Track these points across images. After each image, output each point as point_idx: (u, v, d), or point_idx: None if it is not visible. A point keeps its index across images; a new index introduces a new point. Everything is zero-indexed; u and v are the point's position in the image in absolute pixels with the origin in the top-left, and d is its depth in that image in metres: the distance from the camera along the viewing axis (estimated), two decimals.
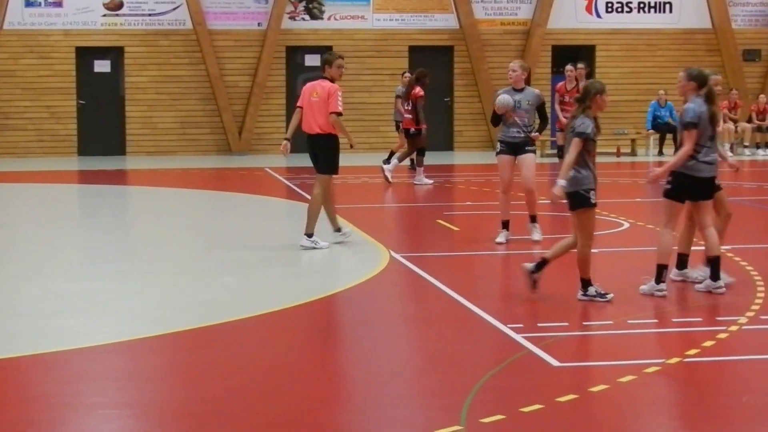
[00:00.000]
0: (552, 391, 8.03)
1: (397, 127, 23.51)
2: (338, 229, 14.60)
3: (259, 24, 29.80)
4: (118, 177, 24.88)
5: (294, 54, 30.15)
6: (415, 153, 22.63)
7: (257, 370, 8.84)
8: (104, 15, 29.26)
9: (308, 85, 14.69)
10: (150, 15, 29.40)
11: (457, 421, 7.39)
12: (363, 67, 29.80)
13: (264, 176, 24.33)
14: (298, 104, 14.67)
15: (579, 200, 10.83)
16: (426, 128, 22.72)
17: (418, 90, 22.46)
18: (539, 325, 10.00)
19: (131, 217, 19.42)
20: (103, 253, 14.56)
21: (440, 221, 16.55)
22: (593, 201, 10.82)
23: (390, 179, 21.74)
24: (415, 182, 22.05)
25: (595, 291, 10.95)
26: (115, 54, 29.53)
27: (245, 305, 11.06)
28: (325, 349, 9.77)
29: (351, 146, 14.79)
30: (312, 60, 30.09)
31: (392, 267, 12.98)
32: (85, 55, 29.30)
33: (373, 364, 9.16)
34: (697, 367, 8.85)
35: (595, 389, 8.12)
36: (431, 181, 22.06)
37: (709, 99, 11.10)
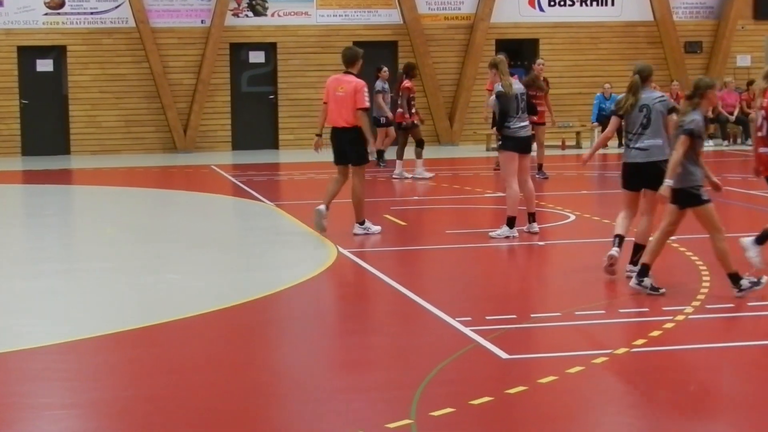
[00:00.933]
0: (501, 384, 8.05)
1: (378, 124, 23.00)
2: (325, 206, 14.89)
3: (202, 21, 29.65)
4: (63, 176, 24.68)
5: (238, 51, 30.04)
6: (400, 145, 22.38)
7: (202, 368, 8.81)
8: (46, 14, 29.01)
9: (332, 79, 14.97)
10: (92, 13, 29.17)
11: (407, 415, 7.39)
12: (308, 63, 29.73)
13: (210, 174, 24.23)
14: (324, 100, 14.93)
15: (688, 198, 10.55)
16: (420, 119, 22.67)
17: (408, 82, 22.40)
18: (487, 318, 10.02)
19: (75, 217, 19.27)
20: (46, 253, 14.45)
21: (388, 216, 16.54)
22: (705, 197, 10.53)
23: (426, 175, 21.61)
24: (416, 176, 21.69)
25: (650, 284, 10.77)
26: (58, 53, 29.27)
27: (190, 303, 11.01)
28: (270, 346, 9.75)
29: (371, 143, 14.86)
30: (256, 57, 30.04)
31: (339, 263, 12.97)
32: (27, 55, 29.03)
33: (321, 360, 9.16)
34: (644, 357, 8.90)
35: (543, 381, 8.14)
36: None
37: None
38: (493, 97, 14.71)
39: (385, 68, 24.09)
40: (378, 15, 30.38)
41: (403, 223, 15.97)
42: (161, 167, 25.87)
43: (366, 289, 11.96)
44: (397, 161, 22.17)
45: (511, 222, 14.20)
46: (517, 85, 14.44)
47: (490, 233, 14.29)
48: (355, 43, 29.52)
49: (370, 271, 12.40)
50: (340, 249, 13.61)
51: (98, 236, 15.86)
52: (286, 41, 29.94)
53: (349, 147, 14.67)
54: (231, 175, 23.74)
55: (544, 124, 21.22)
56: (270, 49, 30.08)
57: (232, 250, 14.46)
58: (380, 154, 23.25)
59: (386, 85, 23.31)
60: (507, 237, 14.15)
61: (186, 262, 13.37)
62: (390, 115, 22.72)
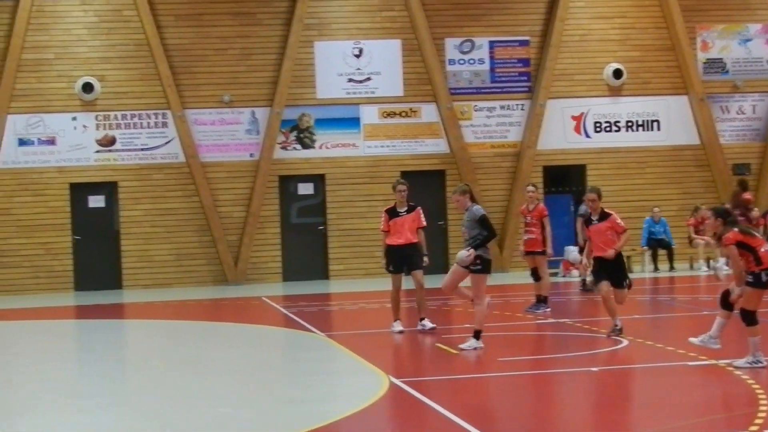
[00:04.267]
0: None
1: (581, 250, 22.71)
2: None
3: (251, 155, 30.01)
4: (115, 311, 24.82)
5: (287, 183, 30.33)
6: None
7: None
8: (97, 151, 29.48)
9: (388, 209, 18.54)
10: (143, 150, 29.62)
11: None
12: (356, 194, 29.97)
13: (261, 305, 24.28)
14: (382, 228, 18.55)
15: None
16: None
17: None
18: None
19: (126, 351, 19.30)
20: (94, 387, 14.45)
21: (440, 345, 16.46)
22: None
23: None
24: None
25: None
26: (109, 189, 29.67)
27: None
28: None
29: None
30: (305, 188, 30.31)
31: (392, 393, 12.88)
32: (80, 191, 29.45)
33: None
34: None
35: None
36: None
37: None
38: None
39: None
40: (425, 145, 30.63)
41: (455, 351, 15.89)
42: (212, 300, 25.97)
43: (419, 420, 11.84)
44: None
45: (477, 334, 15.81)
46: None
47: (459, 345, 15.80)
48: (403, 173, 29.83)
49: (424, 401, 12.29)
50: (392, 379, 13.53)
51: (148, 370, 15.87)
52: (335, 172, 30.20)
53: (413, 256, 18.47)
54: (282, 306, 23.77)
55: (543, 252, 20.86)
56: (318, 180, 30.35)
57: (283, 381, 14.41)
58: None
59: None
60: (475, 348, 15.65)
61: (237, 395, 13.33)
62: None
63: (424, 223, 18.60)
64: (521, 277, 28.37)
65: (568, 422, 11.52)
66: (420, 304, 18.39)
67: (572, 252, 29.09)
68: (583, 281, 23.81)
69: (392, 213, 18.41)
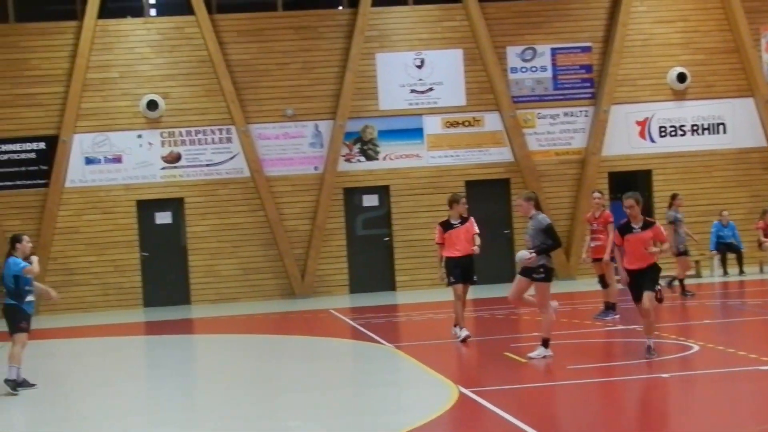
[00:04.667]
0: None
1: (680, 253, 23.62)
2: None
3: (315, 168, 30.11)
4: (184, 326, 24.96)
5: (352, 195, 30.38)
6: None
7: None
8: (163, 168, 29.70)
9: (442, 222, 18.70)
10: (208, 165, 29.80)
11: None
12: (420, 204, 29.95)
13: (328, 317, 24.33)
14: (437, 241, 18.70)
15: None
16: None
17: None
18: None
19: (197, 366, 19.41)
20: (169, 403, 14.54)
21: (508, 353, 16.40)
22: None
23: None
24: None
25: None
26: (176, 205, 29.88)
27: None
28: None
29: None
30: (369, 200, 30.34)
31: (461, 403, 12.84)
32: (146, 208, 29.68)
33: None
34: None
35: None
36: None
37: None
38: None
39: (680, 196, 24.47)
40: (489, 154, 30.56)
41: (524, 360, 15.82)
42: (280, 313, 26.05)
43: (490, 430, 11.79)
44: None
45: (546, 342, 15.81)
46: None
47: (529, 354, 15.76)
48: (468, 183, 29.80)
49: (494, 410, 12.24)
50: (462, 389, 13.49)
51: (218, 385, 15.93)
52: (399, 183, 30.22)
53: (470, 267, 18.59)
54: (349, 318, 23.80)
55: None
56: (383, 192, 30.37)
57: (352, 393, 14.41)
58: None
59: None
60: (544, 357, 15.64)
61: (306, 408, 13.34)
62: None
63: (478, 230, 18.57)
64: (589, 284, 28.20)
65: (641, 430, 11.42)
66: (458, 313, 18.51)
67: None
68: (670, 281, 23.52)
69: (446, 226, 18.53)
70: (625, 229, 15.36)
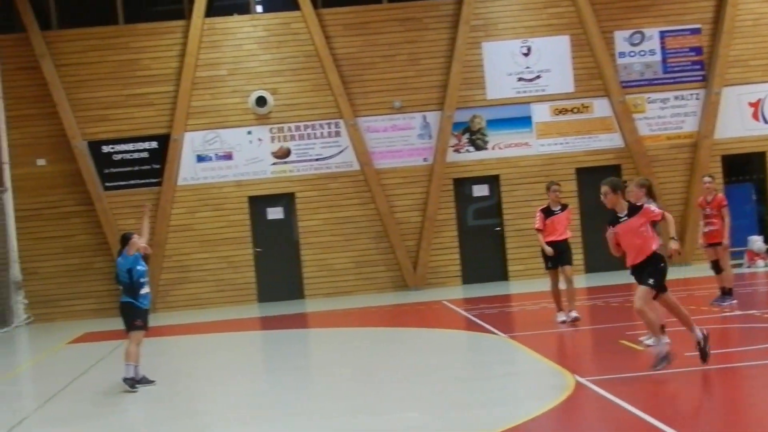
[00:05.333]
0: None
1: None
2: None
3: (424, 159, 30.10)
4: (298, 320, 25.12)
5: (462, 185, 30.33)
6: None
7: None
8: (273, 163, 29.92)
9: (543, 209, 19.28)
10: (317, 160, 29.95)
11: None
12: (531, 193, 29.76)
13: (441, 309, 24.32)
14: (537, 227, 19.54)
15: None
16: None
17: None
18: None
19: (313, 360, 19.50)
20: (286, 397, 14.62)
21: (624, 341, 16.24)
22: None
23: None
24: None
25: None
26: (287, 200, 30.09)
27: None
28: None
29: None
30: (480, 190, 30.26)
31: (578, 392, 12.74)
32: (258, 204, 29.93)
33: None
34: None
35: None
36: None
37: None
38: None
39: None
40: (599, 140, 30.29)
41: (640, 348, 15.64)
42: (393, 305, 26.10)
43: (609, 420, 11.67)
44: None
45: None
46: None
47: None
48: (578, 170, 29.58)
49: (612, 399, 12.12)
50: (578, 378, 13.38)
51: (334, 378, 16.00)
52: (509, 172, 30.10)
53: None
54: (462, 309, 23.76)
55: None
56: (493, 181, 30.26)
57: (468, 385, 14.37)
58: None
59: None
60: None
61: (423, 400, 13.34)
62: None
63: (571, 219, 20.07)
64: (704, 269, 27.81)
65: (765, 416, 11.23)
66: (571, 297, 19.28)
67: (757, 242, 28.47)
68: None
69: (547, 212, 19.54)
70: (613, 221, 13.96)
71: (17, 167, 29.41)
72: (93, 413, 14.47)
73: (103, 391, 16.17)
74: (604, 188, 13.83)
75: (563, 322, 19.11)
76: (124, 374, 15.93)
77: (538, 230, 19.65)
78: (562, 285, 19.36)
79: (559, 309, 19.45)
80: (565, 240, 19.55)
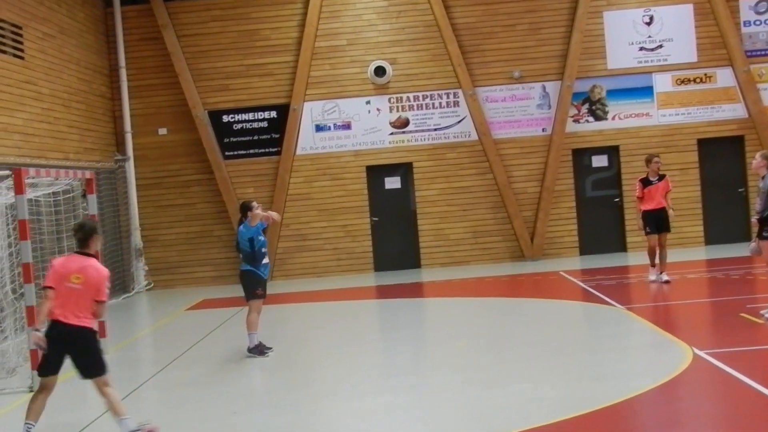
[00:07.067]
0: None
1: None
2: None
3: (543, 129, 29.88)
4: (414, 290, 25.17)
5: (581, 156, 30.05)
6: None
7: None
8: (391, 133, 29.94)
9: (642, 179, 21.49)
10: (435, 130, 29.90)
11: None
12: None
13: (558, 280, 24.17)
14: (637, 195, 21.68)
15: None
16: None
17: None
18: None
19: (426, 330, 19.54)
20: (395, 367, 14.67)
21: (744, 314, 15.98)
22: None
23: None
24: None
25: None
26: (404, 170, 30.10)
27: (540, 412, 10.90)
28: None
29: None
30: (599, 161, 29.95)
31: (696, 365, 12.57)
32: (376, 174, 29.99)
33: None
34: None
35: None
36: None
37: None
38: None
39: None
40: (722, 110, 29.77)
41: (761, 321, 15.38)
42: (510, 276, 26.01)
43: (728, 394, 11.50)
44: None
45: None
46: None
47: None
48: (699, 141, 29.14)
49: (730, 372, 11.94)
50: (696, 351, 13.21)
51: (450, 348, 16.00)
52: (629, 143, 29.73)
53: None
54: (580, 280, 23.59)
55: None
56: (612, 152, 29.94)
57: (583, 357, 14.28)
58: None
59: None
60: None
61: (538, 371, 13.29)
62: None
63: (671, 188, 21.93)
64: None
65: None
66: (662, 260, 21.39)
67: None
68: None
69: (646, 182, 21.57)
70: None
71: (139, 136, 29.89)
72: (209, 380, 14.67)
73: (220, 357, 16.38)
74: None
75: (653, 281, 21.41)
76: (248, 344, 16.08)
77: (639, 198, 21.63)
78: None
79: (653, 266, 21.56)
80: (663, 208, 21.37)
